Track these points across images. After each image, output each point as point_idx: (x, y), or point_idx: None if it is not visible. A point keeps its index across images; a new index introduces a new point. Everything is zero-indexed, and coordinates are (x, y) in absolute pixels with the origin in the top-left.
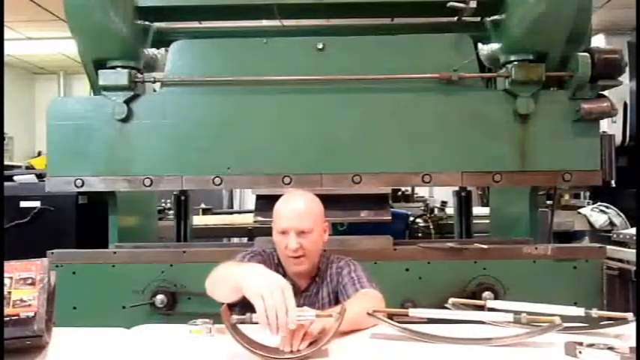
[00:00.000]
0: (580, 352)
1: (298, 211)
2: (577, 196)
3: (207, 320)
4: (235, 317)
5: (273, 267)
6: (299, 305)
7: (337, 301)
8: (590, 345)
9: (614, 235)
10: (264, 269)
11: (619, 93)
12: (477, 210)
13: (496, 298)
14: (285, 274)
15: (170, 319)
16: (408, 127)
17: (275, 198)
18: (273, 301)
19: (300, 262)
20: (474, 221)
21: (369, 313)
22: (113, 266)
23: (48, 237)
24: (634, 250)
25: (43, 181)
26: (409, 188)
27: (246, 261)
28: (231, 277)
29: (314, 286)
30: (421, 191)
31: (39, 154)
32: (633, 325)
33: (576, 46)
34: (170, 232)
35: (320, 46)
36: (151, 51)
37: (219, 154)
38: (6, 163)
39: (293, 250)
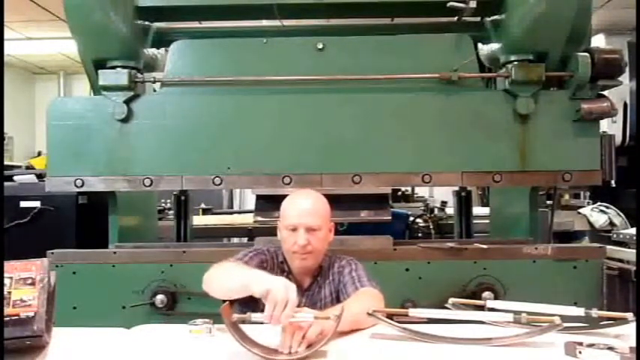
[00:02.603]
0: (580, 352)
1: (308, 209)
2: (577, 196)
3: (207, 320)
4: (236, 316)
5: (277, 265)
6: (301, 304)
7: (339, 300)
8: (590, 345)
9: (614, 235)
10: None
11: (619, 93)
12: (477, 210)
13: (496, 298)
14: (289, 272)
15: (170, 319)
16: (408, 127)
17: (275, 198)
18: (278, 295)
19: (305, 258)
20: (474, 221)
21: (369, 313)
22: (113, 266)
23: (48, 237)
24: (634, 250)
25: (43, 181)
26: (409, 188)
27: (248, 259)
28: (240, 275)
29: (316, 285)
30: (421, 191)
31: (39, 154)
32: (633, 325)
33: (576, 46)
34: (170, 232)
35: (320, 46)
36: (151, 51)
37: (219, 154)
38: (6, 163)
39: (301, 246)
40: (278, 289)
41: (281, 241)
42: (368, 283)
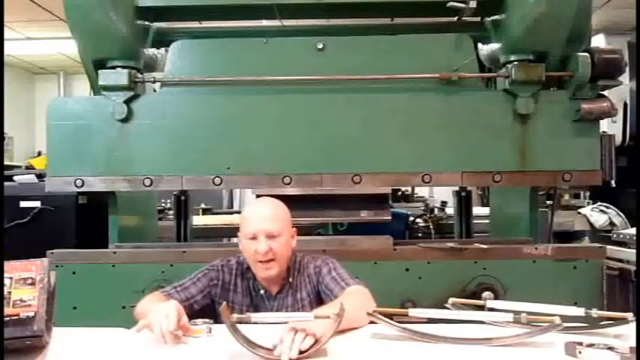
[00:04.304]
0: (580, 352)
1: (266, 215)
2: (577, 196)
3: (207, 320)
4: (236, 316)
5: (239, 276)
6: (274, 309)
7: (320, 301)
8: (590, 345)
9: (614, 235)
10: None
11: (619, 93)
12: (477, 210)
13: (496, 298)
14: (254, 279)
15: None
16: (408, 127)
17: (275, 198)
18: (158, 319)
19: (270, 267)
20: (474, 221)
21: (369, 313)
22: (113, 266)
23: (48, 237)
24: (634, 250)
25: (43, 181)
26: (409, 188)
27: (196, 280)
28: (144, 313)
29: (288, 288)
30: (421, 191)
31: (39, 154)
32: (633, 325)
33: (576, 46)
34: (170, 232)
35: (320, 46)
36: (151, 51)
37: (219, 154)
38: (6, 163)
39: (262, 253)
40: (156, 315)
41: (243, 252)
42: (353, 282)
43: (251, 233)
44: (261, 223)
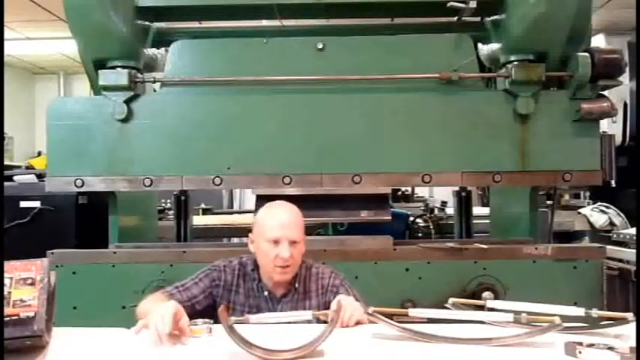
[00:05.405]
0: (580, 352)
1: (290, 222)
2: (577, 196)
3: (207, 320)
4: (234, 318)
5: (241, 277)
6: (276, 311)
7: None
8: (590, 345)
9: (614, 235)
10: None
11: (619, 93)
12: (477, 210)
13: (496, 298)
14: (259, 281)
15: None
16: (408, 127)
17: (275, 198)
18: (155, 322)
19: (286, 272)
20: (474, 221)
21: (369, 313)
22: (113, 266)
23: (48, 237)
24: (634, 250)
25: (43, 181)
26: (409, 188)
27: (198, 280)
28: (144, 313)
29: (294, 293)
30: (421, 191)
31: (39, 154)
32: (633, 325)
33: (576, 46)
34: (170, 232)
35: (320, 46)
36: (151, 51)
37: (219, 154)
38: (6, 163)
39: (285, 259)
40: (153, 318)
41: (257, 253)
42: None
43: (274, 238)
44: (285, 230)
